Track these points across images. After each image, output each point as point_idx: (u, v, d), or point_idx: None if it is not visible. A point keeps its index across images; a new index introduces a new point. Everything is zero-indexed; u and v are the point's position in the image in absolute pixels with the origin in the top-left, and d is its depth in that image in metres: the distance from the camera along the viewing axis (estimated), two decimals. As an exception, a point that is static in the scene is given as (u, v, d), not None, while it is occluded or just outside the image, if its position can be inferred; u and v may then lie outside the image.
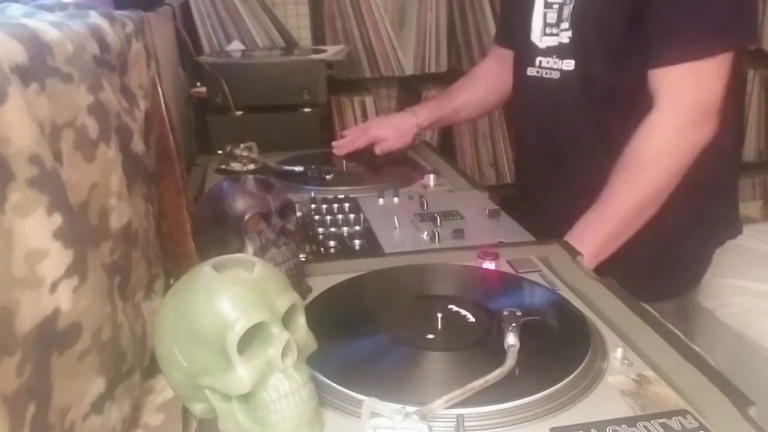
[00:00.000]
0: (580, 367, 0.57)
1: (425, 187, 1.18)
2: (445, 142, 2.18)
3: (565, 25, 1.02)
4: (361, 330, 0.66)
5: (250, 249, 0.68)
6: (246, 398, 0.50)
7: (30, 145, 0.43)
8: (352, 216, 1.00)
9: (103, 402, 0.52)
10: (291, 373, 0.49)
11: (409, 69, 2.09)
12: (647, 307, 0.70)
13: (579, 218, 0.97)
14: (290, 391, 0.49)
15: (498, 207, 1.04)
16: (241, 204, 0.68)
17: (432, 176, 1.19)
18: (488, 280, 0.79)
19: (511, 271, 0.80)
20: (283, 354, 0.49)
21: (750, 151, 2.27)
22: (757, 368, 1.21)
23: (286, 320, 0.51)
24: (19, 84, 0.44)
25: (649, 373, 0.59)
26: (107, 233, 0.59)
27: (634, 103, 0.98)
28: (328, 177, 1.20)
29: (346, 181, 1.19)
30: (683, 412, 0.53)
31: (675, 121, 0.93)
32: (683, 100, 0.93)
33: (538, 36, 1.08)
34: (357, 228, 0.97)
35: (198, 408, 0.52)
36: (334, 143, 1.36)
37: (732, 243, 1.21)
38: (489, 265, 0.80)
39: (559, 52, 1.05)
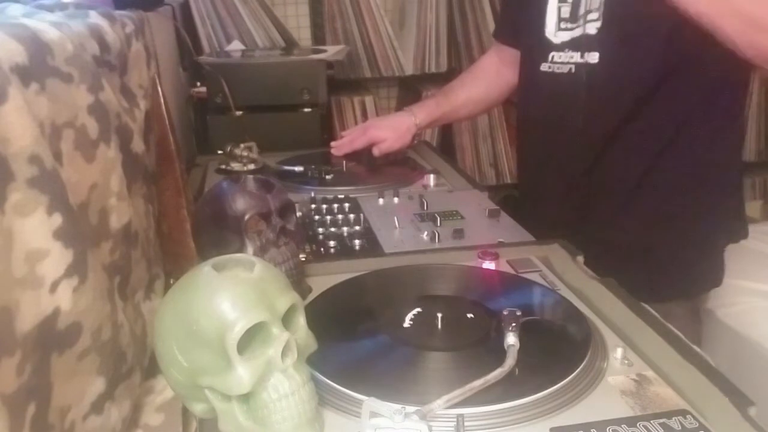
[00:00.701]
0: (580, 367, 0.58)
1: (425, 187, 1.18)
2: (445, 142, 2.18)
3: (593, 15, 1.00)
4: (361, 330, 0.66)
5: (250, 249, 0.68)
6: (246, 398, 0.50)
7: (30, 145, 0.43)
8: (352, 216, 1.00)
9: (103, 402, 0.52)
10: (291, 373, 0.49)
11: (409, 69, 2.09)
12: (647, 307, 0.70)
13: (590, 213, 0.95)
14: (290, 391, 0.49)
15: (498, 207, 1.04)
16: (241, 204, 0.68)
17: (432, 176, 1.19)
18: (488, 280, 0.79)
19: (511, 271, 0.80)
20: (283, 354, 0.49)
21: (750, 151, 2.27)
22: (757, 368, 1.21)
23: (286, 320, 0.51)
24: (19, 84, 0.44)
25: (649, 373, 0.59)
26: (107, 233, 0.59)
27: (671, 97, 0.96)
28: (328, 177, 1.20)
29: (346, 181, 1.19)
30: (683, 412, 0.53)
31: None
32: None
33: (552, 31, 1.07)
34: (357, 228, 0.97)
35: (198, 408, 0.52)
36: (332, 144, 1.36)
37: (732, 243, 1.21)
38: (489, 265, 0.80)
39: (579, 44, 1.02)
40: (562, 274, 0.80)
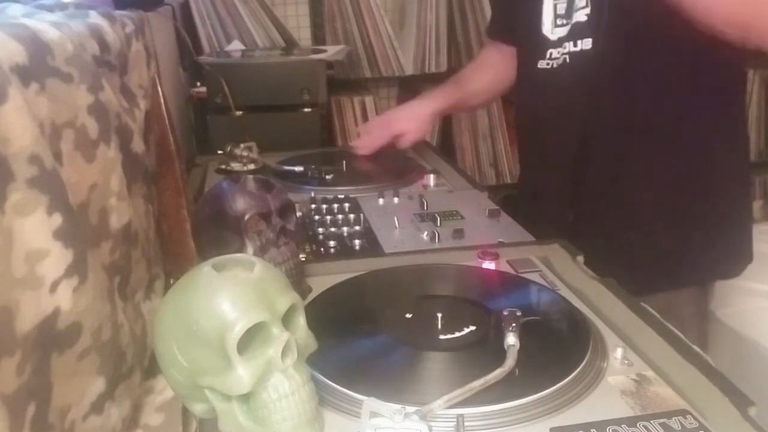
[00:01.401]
0: (580, 367, 0.58)
1: (425, 187, 1.18)
2: (445, 142, 2.18)
3: (582, 2, 1.00)
4: (361, 330, 0.66)
5: (250, 249, 0.68)
6: (246, 398, 0.50)
7: (30, 145, 0.43)
8: (352, 216, 1.00)
9: (103, 402, 0.52)
10: (291, 373, 0.49)
11: (409, 69, 2.09)
12: (647, 307, 0.70)
13: (596, 210, 0.94)
14: (290, 391, 0.49)
15: (498, 207, 1.04)
16: (241, 204, 0.68)
17: (432, 176, 1.19)
18: (488, 280, 0.79)
19: (511, 271, 0.80)
20: (283, 354, 0.49)
21: (750, 151, 2.27)
22: (758, 368, 1.21)
23: (286, 320, 0.51)
24: (19, 84, 0.44)
25: (649, 373, 0.59)
26: (107, 233, 0.59)
27: (668, 73, 0.96)
28: (328, 177, 1.20)
29: (346, 181, 1.19)
30: (683, 412, 0.52)
31: None
32: None
33: (549, 28, 1.06)
34: (357, 228, 0.97)
35: (198, 408, 0.52)
36: (354, 143, 1.36)
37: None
38: (489, 265, 0.80)
39: (573, 34, 1.02)
40: (562, 274, 0.80)
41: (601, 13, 0.98)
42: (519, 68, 1.19)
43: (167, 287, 0.75)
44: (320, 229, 0.96)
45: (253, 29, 1.93)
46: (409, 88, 2.19)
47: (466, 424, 0.51)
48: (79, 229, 0.48)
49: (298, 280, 0.72)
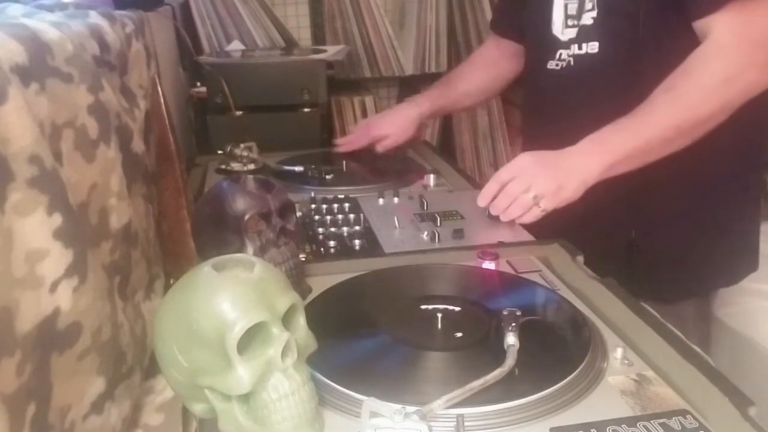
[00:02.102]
0: (580, 367, 0.57)
1: (425, 187, 1.18)
2: (445, 142, 2.18)
3: (589, 5, 0.99)
4: (361, 330, 0.66)
5: (250, 249, 0.68)
6: (246, 398, 0.50)
7: (30, 145, 0.43)
8: (352, 216, 1.00)
9: (103, 402, 0.52)
10: (291, 373, 0.49)
11: (409, 69, 2.09)
12: (647, 307, 0.70)
13: (597, 211, 0.94)
14: (290, 391, 0.49)
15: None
16: (241, 204, 0.68)
17: (432, 176, 1.19)
18: (488, 280, 0.79)
19: (511, 271, 0.80)
20: (283, 354, 0.49)
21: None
22: (758, 368, 1.21)
23: (286, 320, 0.51)
24: (19, 84, 0.44)
25: (649, 373, 0.59)
26: (107, 233, 0.59)
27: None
28: (328, 177, 1.20)
29: (346, 181, 1.19)
30: (683, 412, 0.52)
31: (732, 53, 0.87)
32: (739, 36, 0.87)
33: (560, 29, 1.05)
34: (357, 228, 0.97)
35: (198, 408, 0.52)
36: (337, 140, 1.36)
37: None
38: (489, 265, 0.80)
39: (580, 36, 1.02)
40: (562, 274, 0.80)
41: (606, 17, 0.98)
42: (527, 69, 1.18)
43: (167, 287, 0.75)
44: (320, 229, 0.96)
45: (253, 29, 1.93)
46: (409, 88, 2.19)
47: (466, 424, 0.51)
48: (79, 229, 0.48)
49: (298, 280, 0.72)
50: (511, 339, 0.58)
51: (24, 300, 0.42)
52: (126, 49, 0.73)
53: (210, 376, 0.49)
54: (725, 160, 1.00)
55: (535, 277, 0.78)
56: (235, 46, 1.89)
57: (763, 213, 1.15)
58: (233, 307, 0.47)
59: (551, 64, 1.08)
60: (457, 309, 0.68)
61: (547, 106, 1.13)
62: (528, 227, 0.96)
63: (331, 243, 0.91)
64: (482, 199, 0.95)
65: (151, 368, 0.65)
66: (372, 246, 0.90)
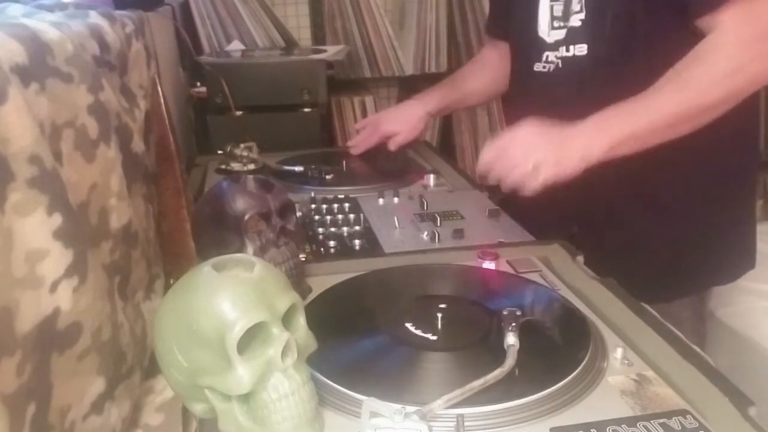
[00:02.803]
0: (580, 367, 0.57)
1: (425, 187, 1.18)
2: (445, 142, 2.18)
3: (576, 7, 0.99)
4: (361, 330, 0.66)
5: (250, 249, 0.68)
6: (246, 398, 0.50)
7: (30, 145, 0.43)
8: (352, 216, 1.00)
9: (103, 402, 0.52)
10: (291, 373, 0.49)
11: (409, 69, 2.09)
12: (647, 307, 0.70)
13: (589, 212, 0.94)
14: (290, 391, 0.49)
15: (498, 207, 1.04)
16: (241, 204, 0.68)
17: (432, 176, 1.19)
18: (488, 280, 0.79)
19: (511, 271, 0.80)
20: (283, 354, 0.49)
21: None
22: (757, 368, 1.21)
23: (286, 320, 0.51)
24: (19, 84, 0.44)
25: (649, 373, 0.59)
26: (107, 233, 0.59)
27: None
28: (328, 177, 1.20)
29: (346, 181, 1.19)
30: (683, 412, 0.52)
31: (740, 45, 0.87)
32: (746, 29, 0.87)
33: (546, 30, 1.05)
34: (357, 228, 0.97)
35: (198, 408, 0.52)
36: (349, 143, 1.37)
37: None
38: (489, 265, 0.80)
39: (568, 38, 1.01)
40: (562, 274, 0.80)
41: (594, 19, 0.98)
42: (513, 70, 1.18)
43: (167, 287, 0.75)
44: (320, 229, 0.96)
45: (253, 29, 1.93)
46: (409, 88, 2.19)
47: (466, 424, 0.51)
48: (79, 229, 0.48)
49: (298, 280, 0.72)
50: (511, 339, 0.58)
51: (24, 300, 0.42)
52: (126, 49, 0.73)
53: (210, 376, 0.49)
54: (721, 157, 1.00)
55: (535, 277, 0.78)
56: (235, 46, 1.89)
57: (764, 213, 1.15)
58: (233, 307, 0.47)
59: (538, 67, 1.07)
60: (457, 309, 0.68)
61: (533, 108, 1.13)
62: (528, 227, 0.96)
63: (331, 243, 0.91)
64: (480, 166, 0.93)
65: (151, 368, 0.65)
66: (372, 246, 0.90)
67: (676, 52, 0.91)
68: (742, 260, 1.11)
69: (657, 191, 1.02)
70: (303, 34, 2.08)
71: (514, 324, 0.59)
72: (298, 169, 1.21)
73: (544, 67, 1.06)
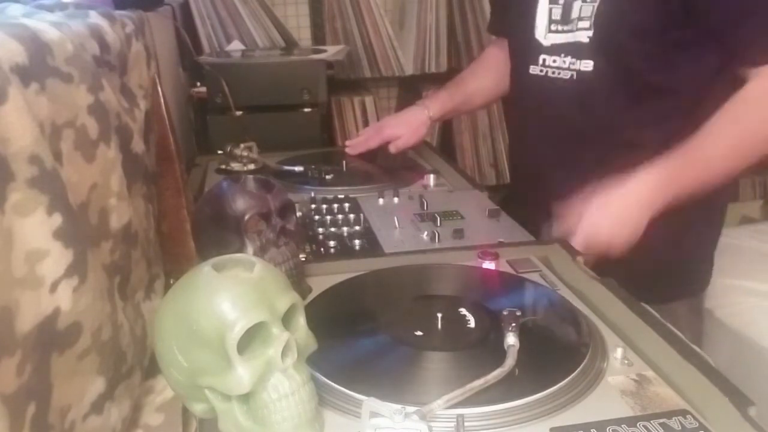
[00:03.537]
0: (580, 367, 0.57)
1: (425, 187, 1.18)
2: (445, 142, 2.18)
3: (584, 23, 0.99)
4: (361, 330, 0.66)
5: (250, 249, 0.68)
6: (246, 398, 0.50)
7: (30, 145, 0.43)
8: (352, 216, 1.00)
9: (103, 402, 0.52)
10: (291, 373, 0.49)
11: (409, 69, 2.09)
12: (647, 307, 0.70)
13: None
14: (290, 391, 0.49)
15: (498, 207, 1.04)
16: (241, 204, 0.68)
17: (432, 176, 1.19)
18: (488, 280, 0.79)
19: (511, 271, 0.80)
20: (283, 354, 0.49)
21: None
22: (757, 368, 1.21)
23: (286, 320, 0.51)
24: (19, 84, 0.44)
25: (649, 373, 0.59)
26: (107, 233, 0.59)
27: (666, 104, 0.96)
28: (328, 177, 1.20)
29: (346, 181, 1.19)
30: (683, 412, 0.53)
31: None
32: None
33: (542, 33, 1.05)
34: (357, 228, 0.97)
35: (198, 408, 0.52)
36: (347, 142, 1.37)
37: (732, 243, 1.21)
38: (489, 265, 0.80)
39: (573, 51, 1.01)
40: (562, 274, 0.80)
41: (602, 38, 0.98)
42: (511, 71, 1.19)
43: (167, 287, 0.75)
44: (320, 229, 0.96)
45: (253, 29, 1.93)
46: (409, 88, 2.19)
47: (466, 424, 0.51)
48: (79, 229, 0.48)
49: (298, 280, 0.72)
50: (511, 339, 0.58)
51: (24, 300, 0.42)
52: (126, 49, 0.73)
53: (210, 376, 0.49)
54: None
55: (535, 277, 0.78)
56: (235, 46, 1.89)
57: (764, 213, 1.15)
58: (233, 307, 0.47)
59: (534, 69, 1.08)
60: (457, 309, 0.68)
61: (528, 111, 1.14)
62: (528, 228, 0.96)
63: (331, 243, 0.91)
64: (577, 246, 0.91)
65: (151, 368, 0.65)
66: (372, 246, 0.90)
67: (681, 74, 0.94)
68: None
69: None
70: (303, 34, 2.08)
71: (514, 324, 0.59)
72: (298, 169, 1.21)
73: (541, 71, 1.06)
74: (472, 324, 0.65)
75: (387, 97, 2.29)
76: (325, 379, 0.56)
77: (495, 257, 0.80)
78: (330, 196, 1.08)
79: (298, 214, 0.87)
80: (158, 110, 0.83)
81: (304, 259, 0.80)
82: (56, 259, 0.45)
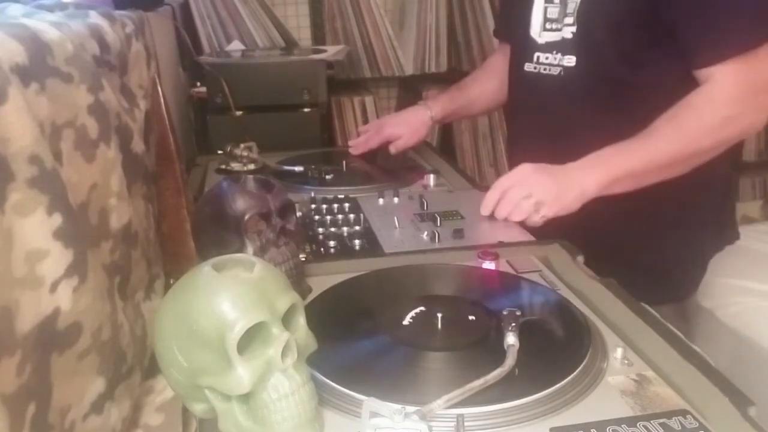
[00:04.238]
0: (580, 367, 0.57)
1: (425, 187, 1.18)
2: (445, 142, 2.18)
3: (569, 20, 1.01)
4: (361, 330, 0.66)
5: (250, 249, 0.68)
6: (246, 398, 0.50)
7: (30, 145, 0.43)
8: (352, 216, 1.00)
9: (103, 402, 0.52)
10: (291, 373, 0.49)
11: (409, 69, 2.09)
12: (647, 307, 0.70)
13: (582, 213, 0.95)
14: (290, 391, 0.49)
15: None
16: (241, 204, 0.68)
17: (432, 176, 1.19)
18: (488, 280, 0.79)
19: (511, 271, 0.80)
20: (283, 354, 0.49)
21: (750, 151, 2.27)
22: (757, 368, 1.21)
23: (286, 320, 0.51)
24: (19, 84, 0.44)
25: (649, 373, 0.59)
26: (107, 233, 0.59)
27: (643, 99, 0.97)
28: (328, 177, 1.20)
29: (346, 181, 1.19)
30: (683, 412, 0.53)
31: (735, 97, 0.92)
32: (742, 83, 0.91)
33: (537, 31, 1.07)
34: (357, 228, 0.97)
35: (198, 408, 0.52)
36: (350, 142, 1.38)
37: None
38: (489, 265, 0.80)
39: (561, 47, 1.03)
40: (562, 274, 0.80)
41: (583, 34, 1.00)
42: (509, 69, 1.20)
43: (167, 287, 0.75)
44: (320, 229, 0.96)
45: (253, 29, 1.93)
46: (409, 88, 2.19)
47: (466, 424, 0.51)
48: (79, 229, 0.48)
49: (298, 280, 0.72)
50: (511, 339, 0.58)
51: (24, 300, 0.42)
52: (126, 49, 0.73)
53: (210, 376, 0.49)
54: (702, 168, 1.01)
55: (535, 277, 0.78)
56: (235, 46, 1.89)
57: (764, 213, 1.16)
58: (233, 307, 0.47)
59: (528, 67, 1.10)
60: (457, 309, 0.68)
61: (525, 108, 1.16)
62: (527, 228, 0.96)
63: (331, 243, 0.91)
64: (485, 207, 0.98)
65: (151, 368, 0.65)
66: (372, 246, 0.90)
67: (655, 72, 0.96)
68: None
69: (639, 198, 1.02)
70: (303, 34, 2.08)
71: (514, 324, 0.59)
72: (298, 169, 1.21)
73: (535, 68, 1.08)
74: (472, 324, 0.65)
75: (387, 97, 2.29)
76: (325, 379, 0.56)
77: (495, 257, 0.80)
78: (330, 196, 1.08)
79: (298, 214, 0.87)
80: (158, 110, 0.83)
81: (304, 259, 0.80)
82: (56, 259, 0.45)
